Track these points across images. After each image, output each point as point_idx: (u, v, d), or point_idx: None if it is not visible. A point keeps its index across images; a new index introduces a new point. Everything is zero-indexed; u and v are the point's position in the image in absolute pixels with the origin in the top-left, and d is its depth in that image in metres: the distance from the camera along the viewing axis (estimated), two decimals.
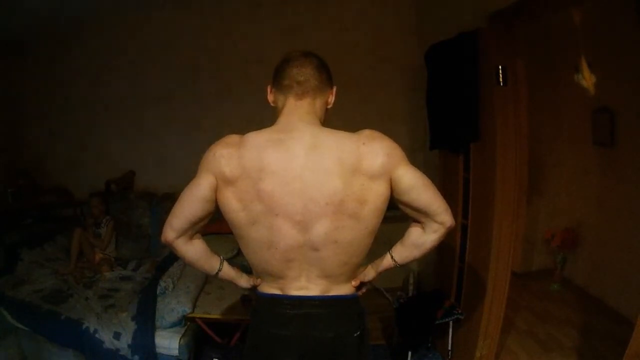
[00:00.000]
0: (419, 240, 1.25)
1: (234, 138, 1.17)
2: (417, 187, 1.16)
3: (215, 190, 1.15)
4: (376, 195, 1.14)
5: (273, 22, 3.53)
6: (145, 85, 3.62)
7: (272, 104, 1.27)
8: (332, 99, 1.27)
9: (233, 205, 1.14)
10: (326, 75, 1.24)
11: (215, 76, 3.62)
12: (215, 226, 3.64)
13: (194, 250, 1.24)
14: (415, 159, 3.96)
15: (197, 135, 3.59)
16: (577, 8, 3.09)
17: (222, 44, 3.59)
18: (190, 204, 1.16)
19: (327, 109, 1.27)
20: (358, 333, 1.20)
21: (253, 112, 3.39)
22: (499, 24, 2.28)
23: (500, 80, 2.24)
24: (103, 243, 3.19)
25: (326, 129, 1.19)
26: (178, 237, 1.19)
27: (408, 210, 1.22)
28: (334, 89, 1.28)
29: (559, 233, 3.68)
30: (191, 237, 1.22)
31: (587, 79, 3.36)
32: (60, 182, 3.72)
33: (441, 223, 1.20)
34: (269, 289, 1.22)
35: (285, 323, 1.17)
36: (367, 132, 1.17)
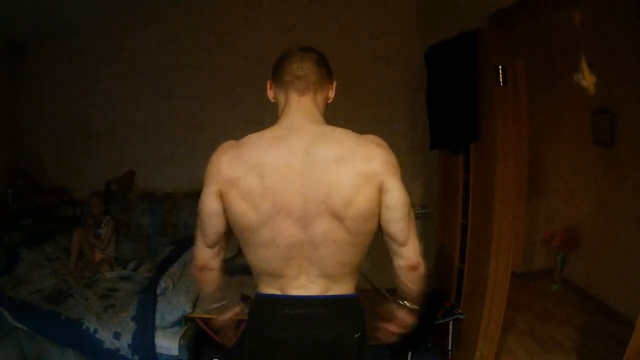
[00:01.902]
0: (396, 280, 1.27)
1: (231, 142, 1.17)
2: (397, 208, 1.15)
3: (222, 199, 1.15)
4: (364, 198, 1.11)
5: (273, 22, 3.53)
6: (145, 85, 3.62)
7: (272, 100, 1.26)
8: (332, 94, 1.27)
9: (242, 207, 1.12)
10: (326, 70, 1.23)
11: (215, 76, 3.62)
12: None
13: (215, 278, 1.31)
14: (415, 159, 3.96)
15: (197, 135, 3.60)
16: (577, 8, 3.09)
17: (222, 44, 3.59)
18: (209, 222, 1.19)
19: (327, 104, 1.26)
20: (359, 334, 1.20)
21: (253, 112, 3.41)
22: (499, 24, 2.28)
23: (500, 80, 2.24)
24: (103, 243, 3.19)
25: (329, 126, 1.18)
26: (212, 256, 1.25)
27: (384, 234, 1.21)
28: (334, 84, 1.27)
29: (559, 233, 3.68)
30: (219, 252, 1.27)
31: (587, 79, 3.35)
32: (60, 182, 3.72)
33: (406, 258, 1.20)
34: (268, 289, 1.21)
35: (284, 324, 1.16)
36: (370, 136, 1.17)
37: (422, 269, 1.21)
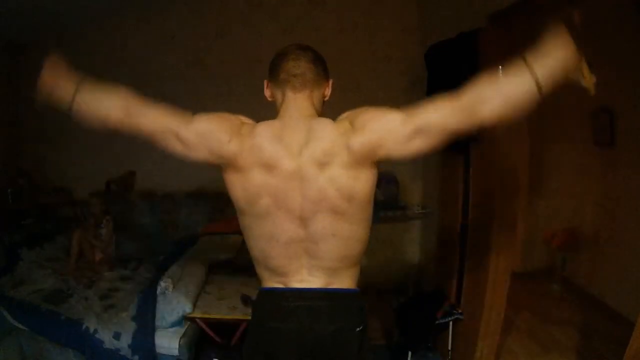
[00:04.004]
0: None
1: (248, 125, 1.18)
2: (396, 130, 1.08)
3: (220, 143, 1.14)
4: (364, 184, 1.14)
5: (273, 22, 3.54)
6: (145, 85, 3.60)
7: (269, 99, 1.28)
8: (328, 92, 1.27)
9: (244, 196, 1.16)
10: (322, 68, 1.23)
11: (215, 76, 3.62)
12: (217, 226, 3.62)
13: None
14: (415, 159, 3.95)
15: None
16: (577, 8, 3.09)
17: (222, 43, 3.59)
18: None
19: (323, 102, 1.27)
20: (360, 328, 1.21)
21: (253, 111, 3.39)
22: (499, 24, 2.28)
23: None
24: (103, 243, 3.19)
25: (324, 121, 1.17)
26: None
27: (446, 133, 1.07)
28: (331, 82, 1.27)
29: (559, 233, 3.68)
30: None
31: (587, 79, 3.35)
32: (60, 182, 3.72)
33: (458, 116, 1.05)
34: (271, 283, 1.23)
35: (286, 316, 1.17)
36: (345, 122, 1.16)
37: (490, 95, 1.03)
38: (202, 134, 1.14)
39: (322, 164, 1.11)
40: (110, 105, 1.16)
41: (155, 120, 1.15)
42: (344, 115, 1.19)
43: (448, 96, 1.06)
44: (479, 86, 1.06)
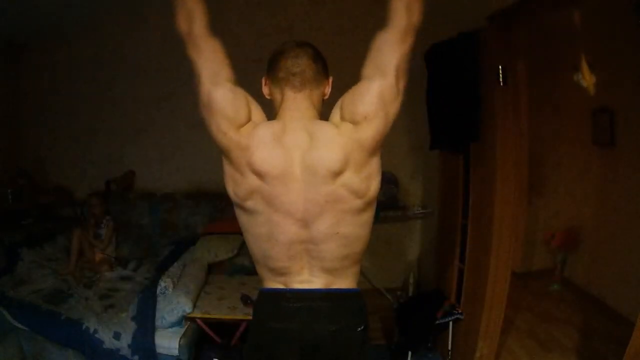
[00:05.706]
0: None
1: (248, 127, 1.15)
2: (368, 93, 1.14)
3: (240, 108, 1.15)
4: (374, 180, 1.14)
5: (273, 22, 3.53)
6: (145, 85, 3.62)
7: (267, 97, 1.25)
8: (328, 90, 1.25)
9: (236, 195, 1.16)
10: (322, 66, 1.22)
11: None
12: (217, 226, 3.62)
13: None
14: (415, 159, 3.93)
15: (197, 135, 3.58)
16: (577, 8, 3.09)
17: (222, 43, 3.58)
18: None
19: (323, 100, 1.26)
20: (362, 327, 1.20)
21: None
22: (499, 24, 2.28)
23: (501, 80, 2.24)
24: (103, 243, 3.19)
25: (326, 127, 1.15)
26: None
27: (398, 68, 1.16)
28: (330, 80, 1.25)
29: (559, 233, 3.68)
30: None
31: (587, 79, 3.36)
32: (60, 182, 3.72)
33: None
34: (272, 284, 1.22)
35: (288, 317, 1.17)
36: (348, 124, 1.14)
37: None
38: (211, 104, 1.14)
39: (335, 173, 1.09)
40: (182, 17, 1.24)
41: (199, 58, 1.19)
42: (337, 116, 1.16)
43: (385, 32, 1.16)
44: (398, 7, 1.14)
